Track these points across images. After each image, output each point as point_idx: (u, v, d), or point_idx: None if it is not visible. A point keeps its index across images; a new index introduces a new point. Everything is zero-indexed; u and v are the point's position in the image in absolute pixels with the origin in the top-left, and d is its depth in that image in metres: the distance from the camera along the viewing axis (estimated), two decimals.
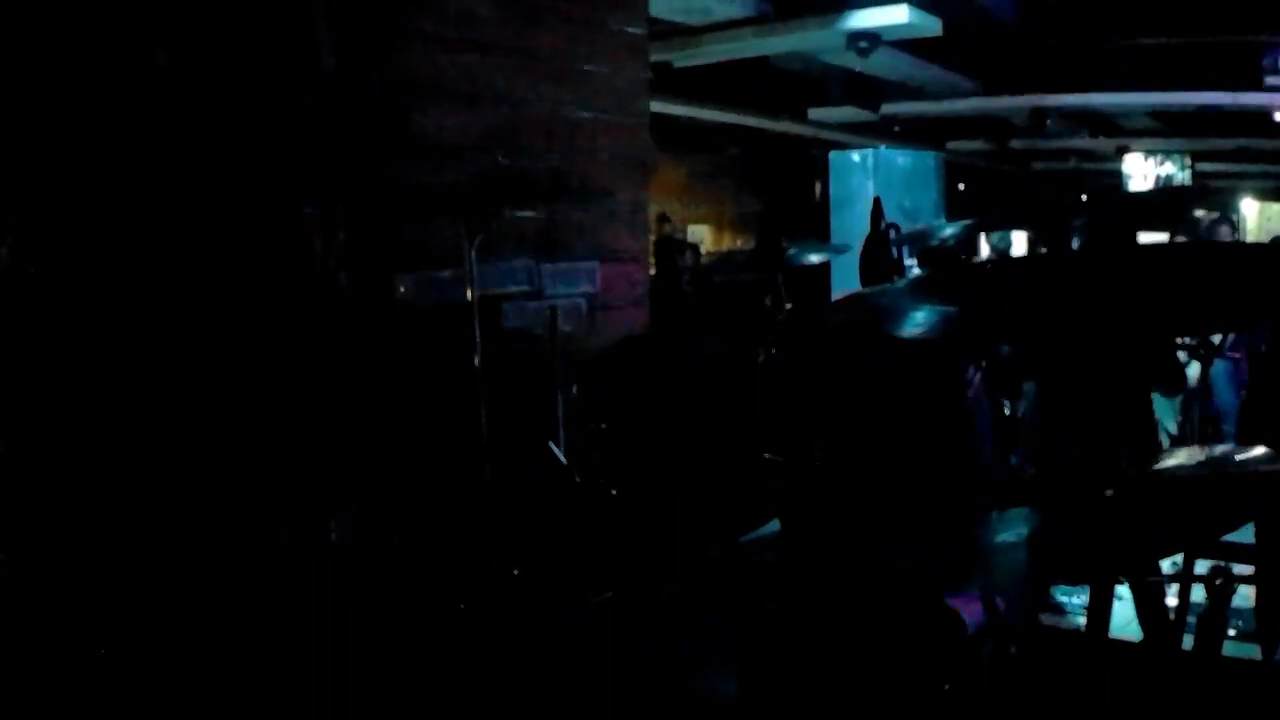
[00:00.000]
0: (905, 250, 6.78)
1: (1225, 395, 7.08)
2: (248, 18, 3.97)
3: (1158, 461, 1.91)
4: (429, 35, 4.44)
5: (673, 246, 12.63)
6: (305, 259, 3.88)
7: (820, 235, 12.33)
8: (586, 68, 5.13)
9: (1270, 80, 10.40)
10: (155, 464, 3.67)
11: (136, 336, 3.69)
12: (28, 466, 3.53)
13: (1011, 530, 1.78)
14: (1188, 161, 16.46)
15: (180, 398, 3.73)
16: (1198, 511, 1.68)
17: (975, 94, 12.21)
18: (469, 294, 3.86)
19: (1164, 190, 15.01)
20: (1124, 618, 4.55)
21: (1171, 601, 4.11)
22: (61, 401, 3.62)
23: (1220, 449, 2.01)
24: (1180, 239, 10.02)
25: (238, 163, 3.90)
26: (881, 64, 10.43)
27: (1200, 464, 1.92)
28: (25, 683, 3.26)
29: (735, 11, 9.29)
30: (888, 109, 13.10)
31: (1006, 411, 4.89)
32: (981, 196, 18.73)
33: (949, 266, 5.63)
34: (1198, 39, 9.94)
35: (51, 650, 3.36)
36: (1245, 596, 4.17)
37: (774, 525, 2.97)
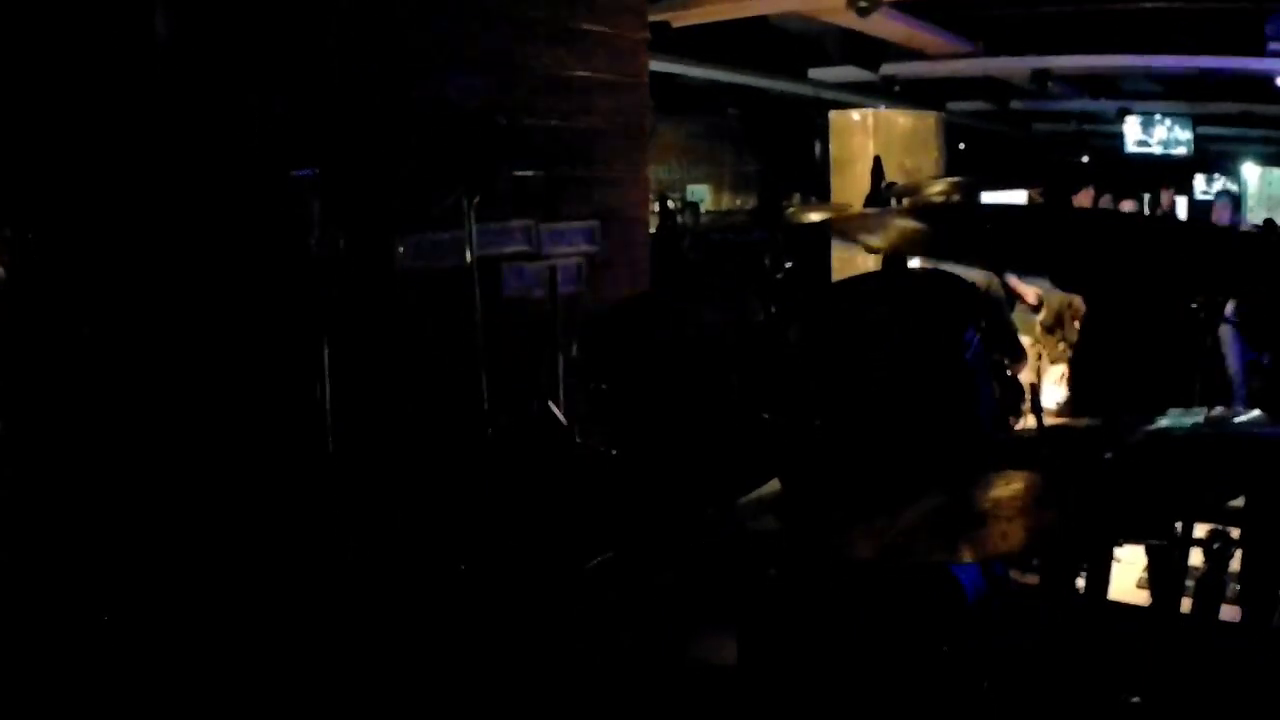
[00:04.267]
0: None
1: (1232, 360, 7.07)
2: None
3: (1154, 423, 1.91)
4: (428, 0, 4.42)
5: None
6: (303, 224, 3.87)
7: (820, 195, 12.27)
8: (584, 28, 5.11)
9: (1272, 46, 10.35)
10: (151, 430, 3.67)
11: (133, 306, 3.68)
12: (25, 450, 3.53)
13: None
14: (1189, 125, 16.41)
15: (176, 367, 3.73)
16: (1198, 476, 1.69)
17: (976, 55, 12.16)
18: (468, 255, 3.85)
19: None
20: (1122, 581, 4.56)
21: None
22: (59, 382, 3.62)
23: (1218, 411, 2.01)
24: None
25: (234, 129, 3.88)
26: (881, 25, 10.38)
27: (1198, 425, 1.92)
28: (25, 667, 3.27)
29: None
30: (887, 69, 13.05)
31: (1008, 373, 4.88)
32: (982, 158, 18.70)
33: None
34: (1200, 4, 9.89)
35: (52, 636, 3.37)
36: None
37: (773, 486, 2.97)
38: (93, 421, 3.61)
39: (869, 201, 6.39)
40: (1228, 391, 6.69)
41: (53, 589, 3.43)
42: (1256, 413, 1.89)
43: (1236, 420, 1.93)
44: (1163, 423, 1.92)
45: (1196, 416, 1.97)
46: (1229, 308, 6.64)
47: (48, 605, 3.40)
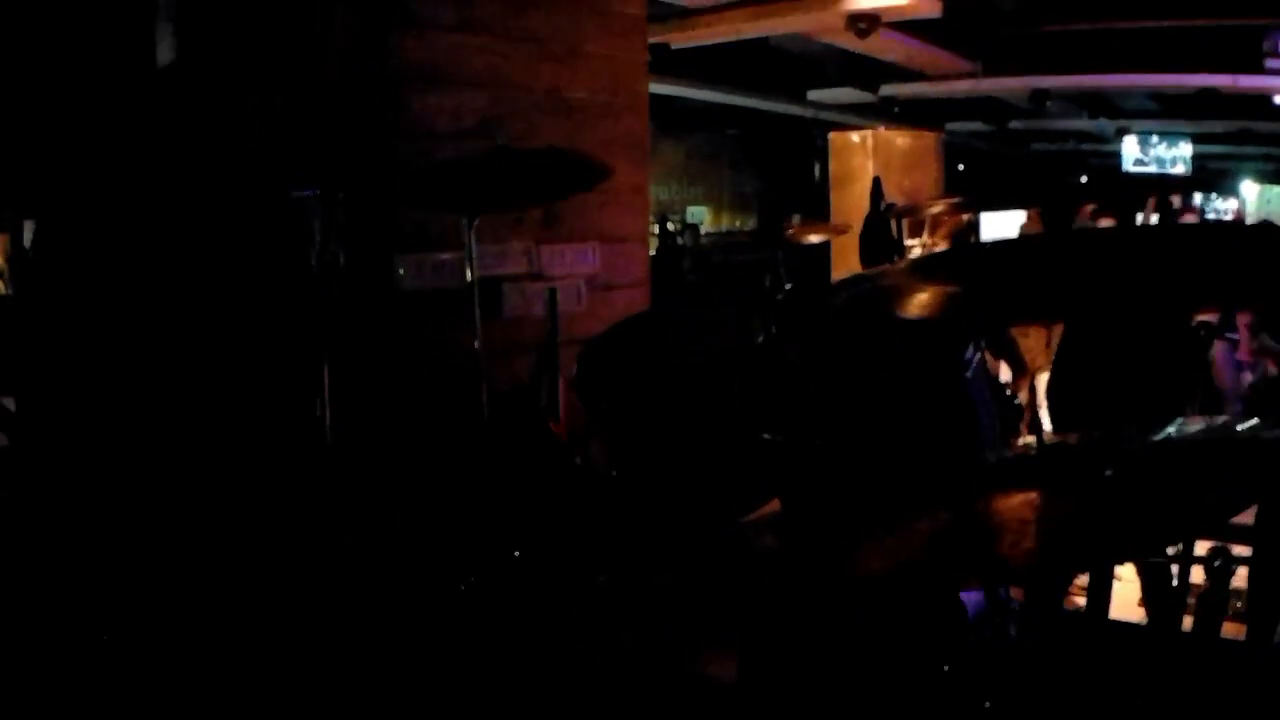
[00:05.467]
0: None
1: (1225, 376, 7.06)
2: (247, 13, 3.97)
3: (1157, 434, 1.91)
4: (427, 20, 4.43)
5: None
6: (303, 242, 3.88)
7: (820, 215, 12.32)
8: (585, 49, 5.12)
9: (1270, 63, 10.37)
10: (152, 443, 3.68)
11: (135, 322, 3.69)
12: (28, 457, 3.54)
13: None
14: (1188, 143, 16.44)
15: (177, 382, 3.73)
16: (1202, 489, 1.68)
17: (975, 75, 12.19)
18: (469, 275, 3.86)
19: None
20: (1122, 598, 4.55)
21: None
22: (62, 392, 3.63)
23: (1220, 419, 2.01)
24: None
25: (234, 148, 3.90)
26: (880, 45, 10.41)
27: (1200, 431, 1.92)
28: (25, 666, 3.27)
29: None
30: (886, 90, 13.09)
31: (1008, 392, 4.89)
32: (981, 177, 18.74)
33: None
34: (1198, 22, 9.91)
35: (51, 636, 3.37)
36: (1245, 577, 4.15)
37: (774, 506, 2.97)
38: (95, 432, 3.63)
39: (868, 221, 6.41)
40: (1221, 408, 6.68)
41: (53, 588, 3.44)
42: (1255, 421, 1.89)
43: (1239, 428, 1.93)
44: (1163, 434, 1.92)
45: (1197, 425, 1.97)
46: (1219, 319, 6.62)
47: (48, 604, 3.40)
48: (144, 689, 3.30)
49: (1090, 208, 9.23)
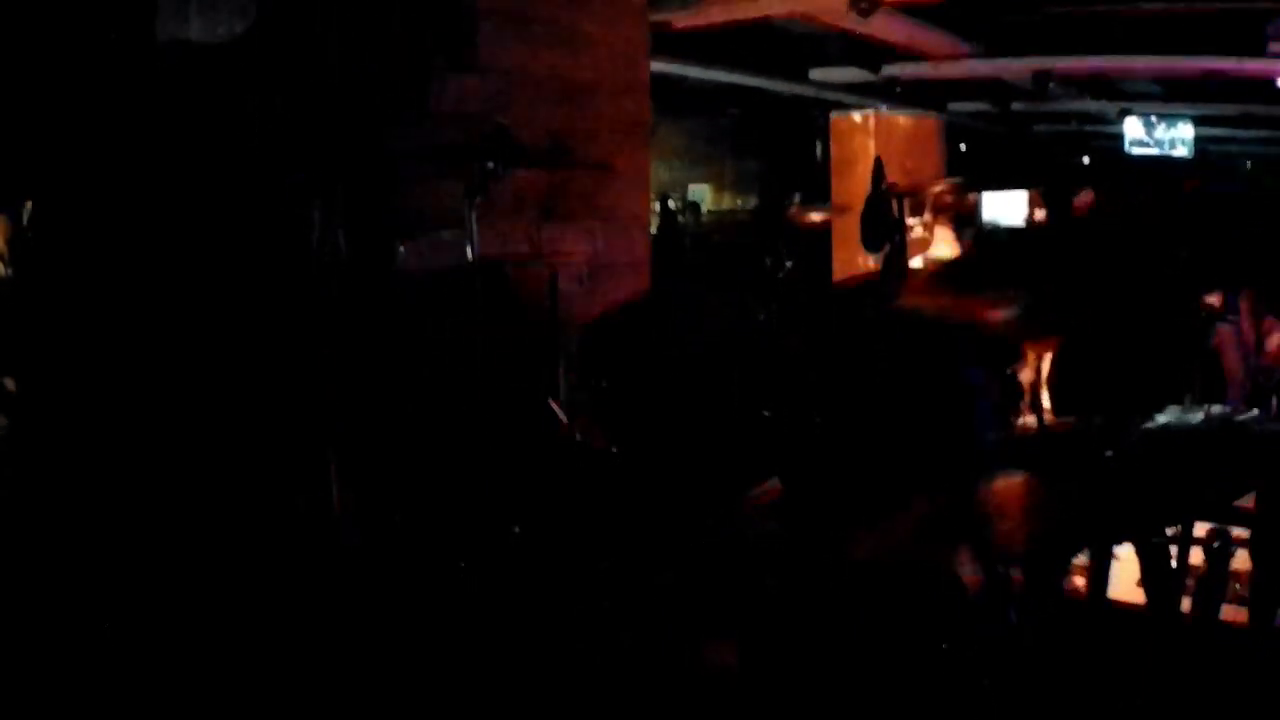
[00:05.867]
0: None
1: (1231, 361, 7.05)
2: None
3: (1154, 421, 1.92)
4: None
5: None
6: (303, 224, 3.87)
7: (821, 196, 12.30)
8: (586, 29, 5.11)
9: (1273, 47, 10.33)
10: (151, 432, 3.68)
11: (134, 309, 3.69)
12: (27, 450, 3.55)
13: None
14: (1190, 126, 16.37)
15: (178, 368, 3.73)
16: (1201, 474, 1.69)
17: (977, 56, 12.15)
18: (469, 256, 3.86)
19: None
20: (1122, 579, 4.55)
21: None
22: (61, 383, 3.63)
23: (1218, 409, 2.02)
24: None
25: (235, 131, 3.89)
26: (882, 27, 10.37)
27: (1200, 421, 1.93)
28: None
29: None
30: (889, 70, 13.04)
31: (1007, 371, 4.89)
32: (983, 159, 18.68)
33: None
34: (1201, 5, 9.87)
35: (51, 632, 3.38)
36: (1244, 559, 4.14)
37: (774, 485, 2.98)
38: (95, 415, 3.63)
39: (869, 202, 6.40)
40: (1225, 392, 6.68)
41: (54, 572, 3.44)
42: (1255, 411, 1.90)
43: (1239, 418, 1.94)
44: (1162, 420, 1.92)
45: (1197, 414, 1.97)
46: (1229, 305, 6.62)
47: (49, 589, 3.41)
48: (144, 677, 3.31)
49: (1091, 195, 9.21)
